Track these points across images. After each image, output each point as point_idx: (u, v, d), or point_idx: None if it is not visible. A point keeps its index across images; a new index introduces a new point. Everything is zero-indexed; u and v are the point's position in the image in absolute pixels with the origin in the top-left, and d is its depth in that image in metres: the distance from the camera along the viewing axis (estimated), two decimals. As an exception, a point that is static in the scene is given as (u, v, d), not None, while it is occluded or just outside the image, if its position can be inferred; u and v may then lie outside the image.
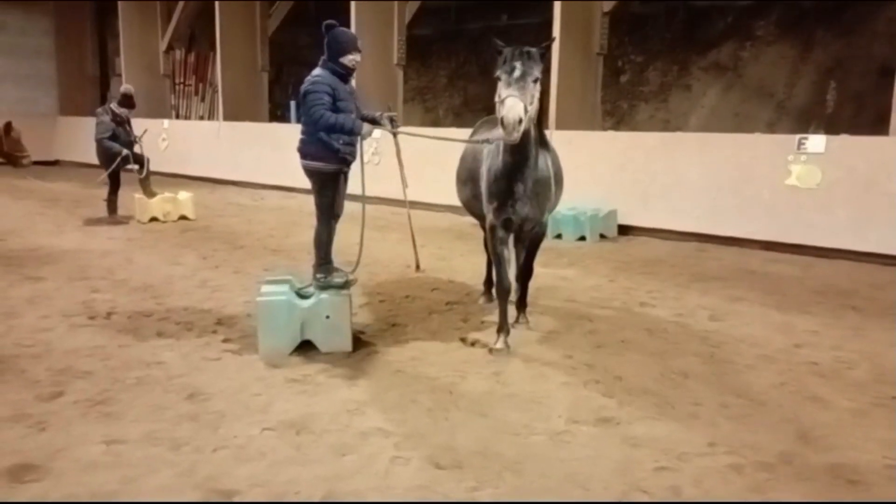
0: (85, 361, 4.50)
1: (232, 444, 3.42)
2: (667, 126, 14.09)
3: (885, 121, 8.05)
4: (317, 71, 4.90)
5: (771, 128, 12.53)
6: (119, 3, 18.23)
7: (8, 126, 8.39)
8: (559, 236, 9.30)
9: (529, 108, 4.14)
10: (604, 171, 9.97)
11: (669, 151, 9.54)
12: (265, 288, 4.87)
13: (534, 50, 4.26)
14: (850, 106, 12.10)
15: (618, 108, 15.39)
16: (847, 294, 6.54)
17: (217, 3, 15.74)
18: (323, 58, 4.93)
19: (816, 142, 8.25)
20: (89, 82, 20.72)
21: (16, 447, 3.33)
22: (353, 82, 5.17)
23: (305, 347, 4.75)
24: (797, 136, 8.52)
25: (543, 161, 4.69)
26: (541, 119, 4.54)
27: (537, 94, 4.24)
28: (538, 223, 4.96)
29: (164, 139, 16.32)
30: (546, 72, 12.53)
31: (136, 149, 9.92)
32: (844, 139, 8.33)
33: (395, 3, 13.31)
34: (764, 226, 8.58)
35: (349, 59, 4.86)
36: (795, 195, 8.32)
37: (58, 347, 4.78)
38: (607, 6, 10.95)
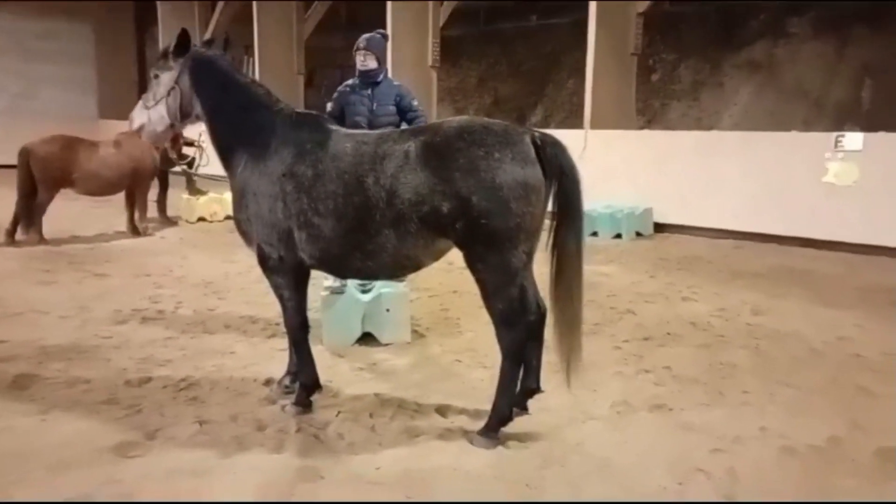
0: (163, 351, 4.80)
1: (312, 425, 3.66)
2: (699, 124, 14.17)
3: (923, 118, 8.11)
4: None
5: (807, 126, 12.56)
6: (158, 8, 18.74)
7: (177, 137, 9.85)
8: (595, 234, 9.48)
9: (150, 106, 3.90)
10: (639, 170, 10.12)
11: (706, 150, 9.66)
12: (327, 282, 5.12)
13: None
14: (886, 104, 12.09)
15: (649, 107, 15.47)
16: (889, 291, 6.64)
17: (255, 7, 16.13)
18: None
19: (854, 139, 8.33)
20: (129, 87, 21.26)
21: (117, 427, 3.60)
22: (389, 83, 5.38)
23: (366, 338, 5.00)
24: (834, 134, 8.61)
25: (240, 163, 3.83)
26: (218, 109, 3.84)
27: (161, 90, 3.86)
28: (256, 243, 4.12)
29: (203, 142, 16.70)
30: (580, 71, 12.59)
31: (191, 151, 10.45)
32: (882, 136, 8.39)
33: (430, 4, 13.55)
34: (802, 223, 8.67)
35: (357, 61, 5.12)
36: (833, 193, 8.40)
37: (134, 339, 5.08)
38: (641, 6, 11.09)
